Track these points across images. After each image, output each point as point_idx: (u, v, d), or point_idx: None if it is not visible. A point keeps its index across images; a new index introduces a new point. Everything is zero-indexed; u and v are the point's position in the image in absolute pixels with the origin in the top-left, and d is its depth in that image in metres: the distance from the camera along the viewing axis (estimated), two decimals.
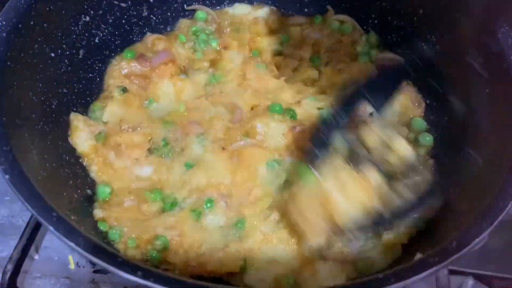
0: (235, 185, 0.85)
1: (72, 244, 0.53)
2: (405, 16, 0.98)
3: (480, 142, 0.77)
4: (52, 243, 0.96)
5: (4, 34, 0.74)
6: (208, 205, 0.82)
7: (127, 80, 0.98)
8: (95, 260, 0.52)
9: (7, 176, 0.59)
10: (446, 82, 0.88)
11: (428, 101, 0.95)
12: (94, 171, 0.88)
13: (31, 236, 0.85)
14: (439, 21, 0.89)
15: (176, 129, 0.93)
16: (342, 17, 1.09)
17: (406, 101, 0.95)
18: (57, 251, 0.95)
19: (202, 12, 1.10)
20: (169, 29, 1.11)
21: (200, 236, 0.79)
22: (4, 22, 0.75)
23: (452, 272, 1.02)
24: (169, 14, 1.10)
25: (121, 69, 0.99)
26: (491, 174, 0.68)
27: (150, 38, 1.04)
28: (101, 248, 0.55)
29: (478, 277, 1.01)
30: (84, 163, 0.88)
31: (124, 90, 0.96)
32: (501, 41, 0.76)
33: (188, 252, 0.78)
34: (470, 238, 0.57)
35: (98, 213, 0.80)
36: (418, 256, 0.59)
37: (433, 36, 0.91)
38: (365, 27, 1.08)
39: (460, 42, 0.81)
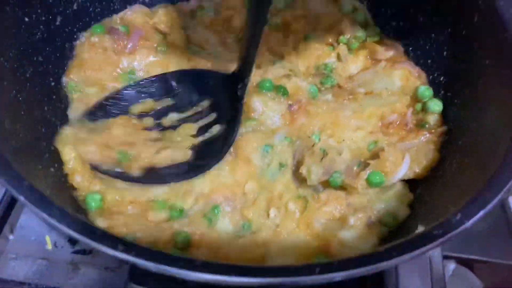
0: (237, 185, 0.81)
1: (45, 215, 0.48)
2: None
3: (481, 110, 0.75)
4: (28, 222, 0.90)
5: None
6: (216, 211, 0.78)
7: None
8: (71, 233, 0.47)
9: None
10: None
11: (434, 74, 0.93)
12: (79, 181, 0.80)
13: (4, 214, 0.79)
14: None
15: None
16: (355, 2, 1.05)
17: (405, 74, 0.92)
18: (33, 230, 0.90)
19: None
20: None
21: (217, 234, 0.76)
22: None
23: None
24: None
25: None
26: (493, 144, 0.65)
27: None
28: (78, 220, 0.50)
29: (460, 261, 1.00)
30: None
31: None
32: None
33: (211, 245, 0.74)
34: (475, 209, 0.53)
35: (101, 222, 0.73)
36: (420, 228, 0.56)
37: None
38: None
39: None
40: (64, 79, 0.90)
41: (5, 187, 0.51)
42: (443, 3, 0.88)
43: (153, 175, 0.81)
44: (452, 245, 1.03)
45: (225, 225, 0.77)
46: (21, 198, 0.49)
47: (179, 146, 0.84)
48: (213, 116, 0.89)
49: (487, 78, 0.77)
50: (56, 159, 0.79)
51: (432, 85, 0.91)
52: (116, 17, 0.99)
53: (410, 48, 0.97)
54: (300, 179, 0.81)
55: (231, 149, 0.84)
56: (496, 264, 1.01)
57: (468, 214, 0.53)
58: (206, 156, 0.84)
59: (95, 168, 0.79)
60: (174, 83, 0.92)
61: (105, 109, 0.88)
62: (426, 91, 0.89)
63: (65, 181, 0.78)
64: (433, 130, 0.84)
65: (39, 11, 0.83)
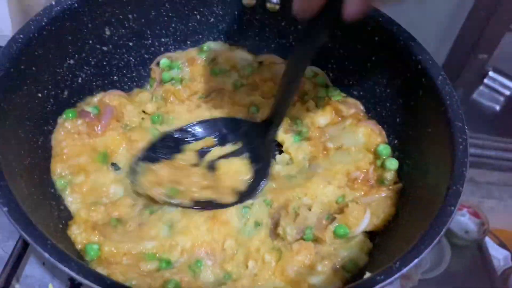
0: (215, 241, 0.92)
1: (66, 269, 0.60)
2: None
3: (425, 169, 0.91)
4: (33, 271, 0.99)
5: None
6: (198, 264, 0.89)
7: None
8: (86, 282, 0.59)
9: (5, 209, 0.66)
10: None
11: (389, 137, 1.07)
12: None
13: (14, 265, 0.90)
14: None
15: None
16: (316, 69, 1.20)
17: (368, 132, 1.06)
18: (37, 279, 0.99)
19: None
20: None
21: (202, 283, 0.87)
22: None
23: None
24: (146, 56, 1.19)
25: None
26: (432, 201, 0.79)
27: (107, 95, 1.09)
28: (91, 271, 0.62)
29: None
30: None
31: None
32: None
33: None
34: (410, 259, 0.67)
35: (101, 271, 0.81)
36: (367, 275, 0.69)
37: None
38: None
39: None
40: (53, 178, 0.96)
41: (32, 245, 0.62)
42: (395, 79, 1.04)
43: (203, 204, 0.95)
44: (433, 286, 1.13)
45: (207, 276, 0.88)
46: (46, 255, 0.61)
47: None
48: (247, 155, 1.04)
49: (428, 143, 0.92)
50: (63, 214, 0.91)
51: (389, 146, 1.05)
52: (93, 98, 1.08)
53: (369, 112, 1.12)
54: (276, 234, 0.93)
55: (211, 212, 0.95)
56: None
57: (404, 263, 0.66)
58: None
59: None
60: (213, 128, 1.07)
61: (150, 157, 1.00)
62: (384, 149, 1.02)
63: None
64: (390, 187, 0.98)
65: (49, 87, 0.97)
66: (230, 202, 0.96)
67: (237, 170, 1.01)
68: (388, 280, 0.64)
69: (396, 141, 1.04)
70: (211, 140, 1.06)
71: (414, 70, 0.97)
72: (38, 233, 0.65)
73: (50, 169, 0.95)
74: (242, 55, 1.21)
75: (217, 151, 1.04)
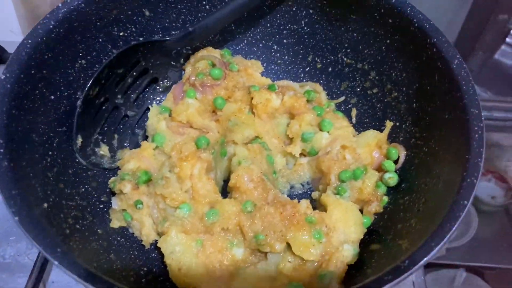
0: None
1: (74, 276, 0.62)
2: None
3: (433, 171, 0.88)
4: (58, 277, 1.04)
5: (8, 86, 0.82)
6: None
7: None
8: None
9: (16, 218, 0.68)
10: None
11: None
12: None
13: (40, 272, 0.93)
14: None
15: None
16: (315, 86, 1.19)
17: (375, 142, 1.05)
18: (63, 284, 1.03)
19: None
20: None
21: None
22: (8, 75, 0.83)
23: (444, 266, 1.09)
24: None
25: None
26: (442, 197, 0.76)
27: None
28: (99, 277, 0.64)
29: (470, 269, 1.08)
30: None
31: None
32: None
33: None
34: (419, 257, 0.65)
35: None
36: (372, 276, 0.67)
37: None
38: None
39: None
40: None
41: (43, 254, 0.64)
42: (411, 62, 1.00)
43: None
44: (461, 254, 1.11)
45: None
46: (56, 263, 0.63)
47: None
48: None
49: (445, 130, 0.89)
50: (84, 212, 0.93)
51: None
52: None
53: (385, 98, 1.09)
54: None
55: None
56: (505, 269, 1.09)
57: (413, 262, 0.65)
58: None
59: None
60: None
61: None
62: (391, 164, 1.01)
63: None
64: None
65: (62, 88, 0.98)
66: None
67: None
68: (396, 280, 0.63)
69: (413, 128, 1.01)
70: None
71: (429, 53, 0.93)
72: (47, 241, 0.67)
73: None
74: None
75: None
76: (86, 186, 0.99)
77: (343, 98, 1.18)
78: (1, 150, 0.76)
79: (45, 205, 0.82)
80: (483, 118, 0.80)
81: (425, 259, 0.65)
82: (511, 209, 1.28)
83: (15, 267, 1.04)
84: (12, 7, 1.30)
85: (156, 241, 0.97)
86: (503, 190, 1.28)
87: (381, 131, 1.07)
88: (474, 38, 1.61)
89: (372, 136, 1.04)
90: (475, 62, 1.64)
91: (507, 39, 1.62)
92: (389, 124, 1.05)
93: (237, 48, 1.24)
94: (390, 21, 1.01)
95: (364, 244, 0.92)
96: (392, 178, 0.98)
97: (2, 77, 0.83)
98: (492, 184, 1.30)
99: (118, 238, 0.97)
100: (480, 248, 1.14)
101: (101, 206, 1.00)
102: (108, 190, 1.03)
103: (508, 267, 1.10)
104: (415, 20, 0.95)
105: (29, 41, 0.88)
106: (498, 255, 1.13)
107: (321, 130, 1.06)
